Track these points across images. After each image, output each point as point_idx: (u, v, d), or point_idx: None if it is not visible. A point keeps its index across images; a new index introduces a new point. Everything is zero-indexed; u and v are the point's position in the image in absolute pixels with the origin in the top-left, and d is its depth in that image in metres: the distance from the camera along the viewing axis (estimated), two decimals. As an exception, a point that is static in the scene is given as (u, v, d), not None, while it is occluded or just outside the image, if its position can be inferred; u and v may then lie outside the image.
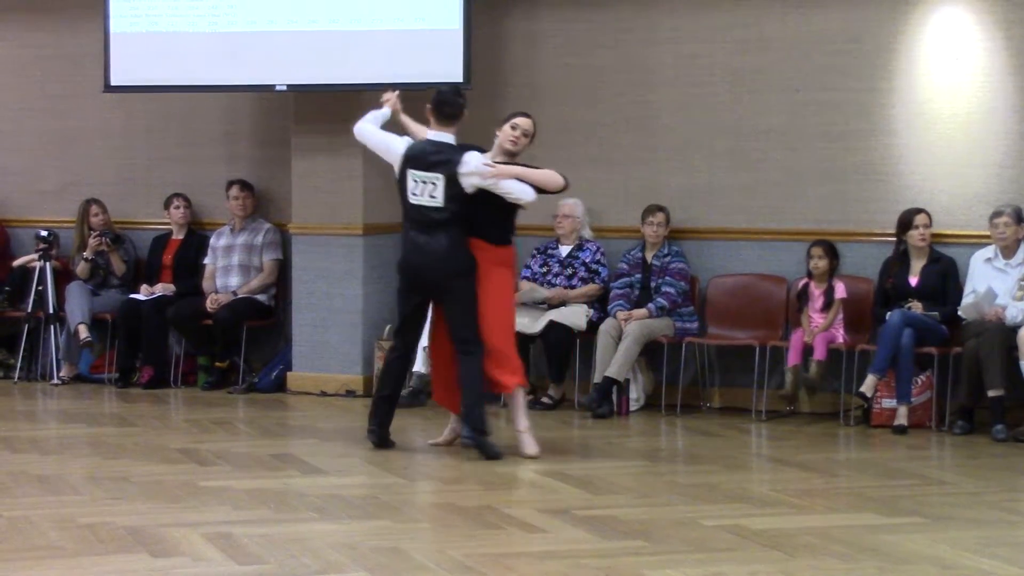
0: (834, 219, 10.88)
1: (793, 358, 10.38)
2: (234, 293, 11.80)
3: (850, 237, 10.82)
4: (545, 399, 10.93)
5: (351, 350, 11.47)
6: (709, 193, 11.17)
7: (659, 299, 10.76)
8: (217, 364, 11.79)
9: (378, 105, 9.45)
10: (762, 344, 10.67)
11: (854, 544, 6.83)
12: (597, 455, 9.47)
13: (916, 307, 10.19)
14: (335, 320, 11.48)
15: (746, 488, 8.25)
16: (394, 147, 9.21)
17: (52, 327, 11.94)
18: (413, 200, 9.07)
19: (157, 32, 11.40)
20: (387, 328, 11.37)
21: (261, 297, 11.90)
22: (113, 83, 11.55)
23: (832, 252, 10.58)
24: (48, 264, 12.01)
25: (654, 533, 7.08)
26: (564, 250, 11.21)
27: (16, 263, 12.31)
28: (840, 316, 10.49)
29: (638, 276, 10.93)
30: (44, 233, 12.09)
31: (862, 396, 10.14)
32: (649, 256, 10.95)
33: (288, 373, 11.68)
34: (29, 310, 12.01)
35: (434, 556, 6.65)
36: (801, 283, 10.60)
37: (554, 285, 11.10)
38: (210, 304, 11.72)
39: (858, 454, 9.67)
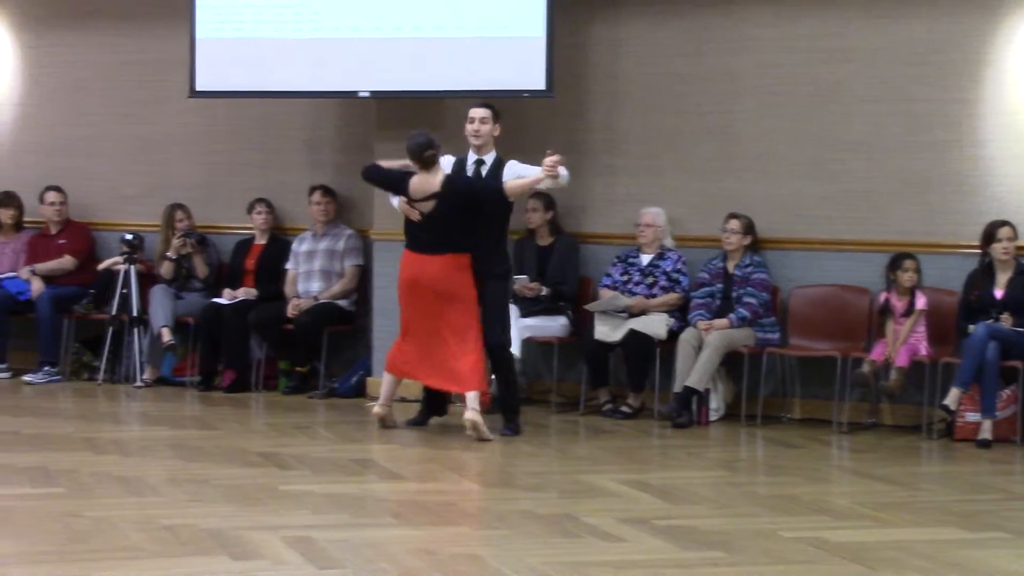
0: (917, 230, 10.79)
1: (876, 355, 10.33)
2: (315, 298, 11.85)
3: (934, 249, 10.72)
4: (624, 408, 10.90)
5: (431, 356, 11.47)
6: (791, 203, 11.10)
7: (741, 309, 10.71)
8: (298, 369, 11.85)
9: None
10: (844, 355, 10.59)
11: (936, 559, 6.75)
12: (676, 465, 9.43)
13: (1007, 321, 10.07)
14: (415, 326, 11.49)
15: (826, 500, 8.18)
16: None
17: (136, 330, 12.04)
18: None
19: (242, 38, 11.48)
20: (467, 335, 11.39)
21: (342, 302, 11.94)
22: (198, 89, 11.64)
23: (916, 265, 10.50)
24: (133, 267, 12.12)
25: (733, 544, 7.04)
26: (645, 259, 11.18)
27: (101, 266, 12.42)
28: (923, 328, 10.40)
29: (719, 286, 10.88)
30: (129, 237, 12.20)
31: (946, 409, 10.05)
32: (730, 266, 10.90)
33: (368, 379, 11.72)
34: (113, 313, 12.13)
35: (512, 564, 6.64)
36: (883, 297, 10.50)
37: (635, 294, 11.07)
38: (291, 309, 11.78)
39: (941, 468, 9.57)
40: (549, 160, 9.49)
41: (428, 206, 9.79)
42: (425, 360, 9.94)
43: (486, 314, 9.88)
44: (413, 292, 9.88)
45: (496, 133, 10.04)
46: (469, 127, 10.00)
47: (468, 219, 9.80)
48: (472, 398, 9.78)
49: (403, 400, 10.89)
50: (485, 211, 9.83)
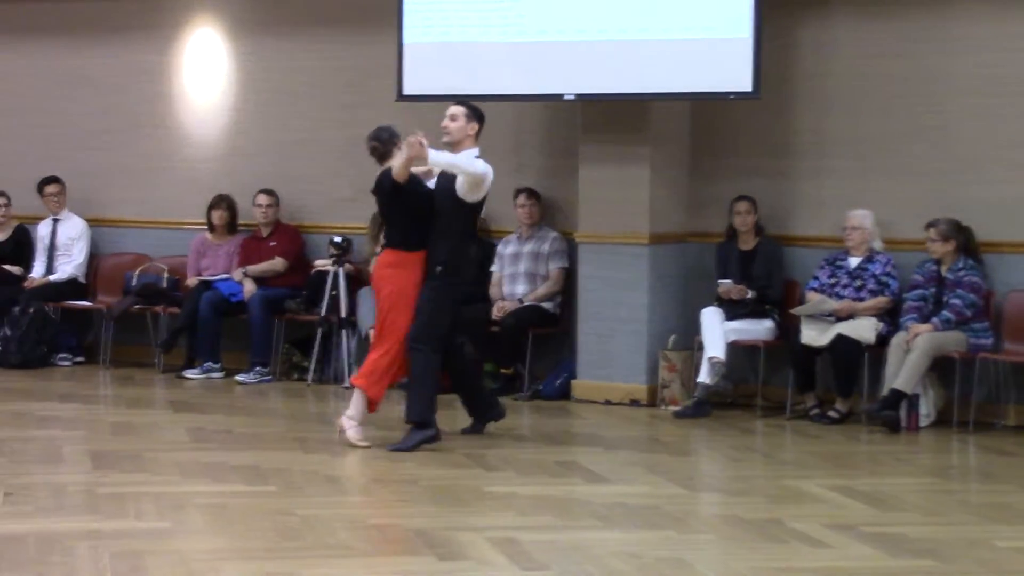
0: None
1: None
2: (520, 300, 11.90)
3: None
4: (832, 413, 10.74)
5: (636, 359, 11.45)
6: (1006, 205, 10.83)
7: (945, 312, 10.49)
8: (502, 371, 11.91)
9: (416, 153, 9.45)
10: (1060, 361, 10.32)
11: None
12: (885, 471, 9.28)
13: None
14: (620, 329, 11.49)
15: (1042, 510, 7.99)
16: (491, 173, 9.64)
17: (344, 331, 12.21)
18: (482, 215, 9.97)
19: (449, 42, 11.57)
20: (671, 338, 11.35)
21: (547, 305, 11.97)
22: (405, 92, 11.77)
23: None
24: (341, 270, 12.30)
25: (944, 552, 6.90)
26: (853, 262, 11.01)
27: (316, 266, 12.62)
28: None
29: (932, 289, 10.67)
30: (338, 239, 12.38)
31: None
32: (943, 269, 10.68)
33: (572, 381, 11.73)
34: (323, 314, 12.32)
35: (718, 568, 6.60)
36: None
37: (842, 297, 10.91)
38: (497, 311, 11.84)
39: None
40: (410, 138, 9.29)
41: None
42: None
43: (416, 311, 9.49)
44: None
45: (471, 132, 9.64)
46: (442, 124, 9.69)
47: (395, 215, 9.64)
48: (355, 395, 9.55)
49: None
50: (412, 208, 9.53)
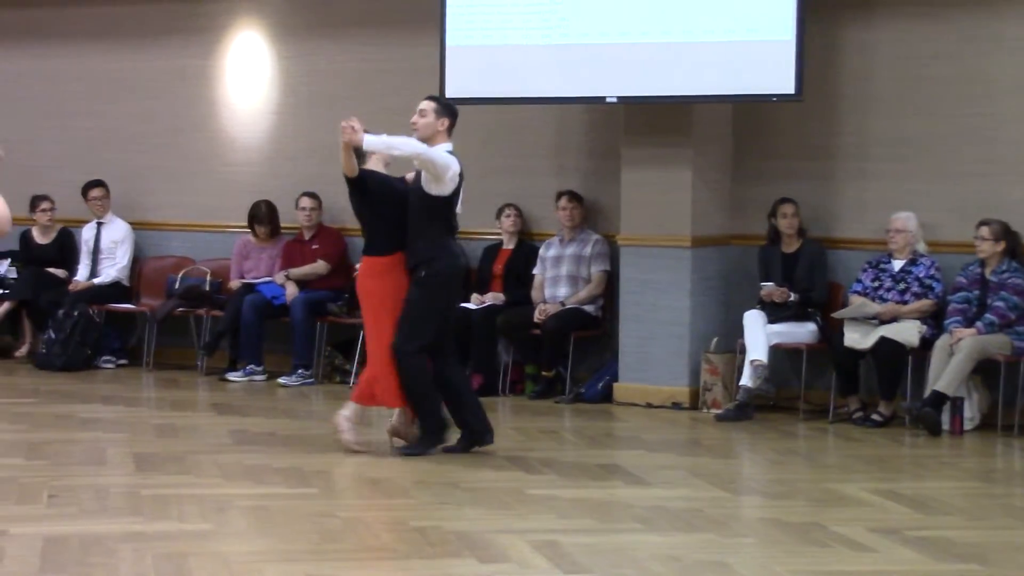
0: None
1: None
2: (562, 303, 11.89)
3: None
4: (875, 416, 10.69)
5: (678, 362, 11.43)
6: (1053, 207, 10.77)
7: (988, 315, 10.42)
8: (544, 373, 11.90)
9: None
10: (1106, 365, 10.24)
11: None
12: (929, 474, 9.24)
13: None
14: (662, 332, 11.47)
15: (1088, 514, 7.93)
16: (454, 165, 9.33)
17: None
18: (458, 211, 9.48)
19: (491, 45, 11.58)
20: (713, 341, 11.32)
21: (589, 308, 11.96)
22: (448, 95, 11.76)
23: None
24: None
25: (989, 557, 6.86)
26: (897, 264, 10.96)
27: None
28: None
29: (976, 292, 10.60)
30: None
31: None
32: (987, 271, 10.62)
33: (614, 384, 11.71)
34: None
35: (759, 572, 6.58)
36: None
37: (886, 300, 10.86)
38: (538, 314, 11.84)
39: None
40: (343, 123, 9.16)
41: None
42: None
43: (399, 317, 9.25)
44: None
45: (442, 128, 9.35)
46: (412, 120, 9.42)
47: (367, 217, 9.42)
48: (349, 406, 9.43)
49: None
50: (382, 209, 9.32)
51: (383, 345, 9.28)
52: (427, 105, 9.47)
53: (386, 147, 9.25)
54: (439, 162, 9.21)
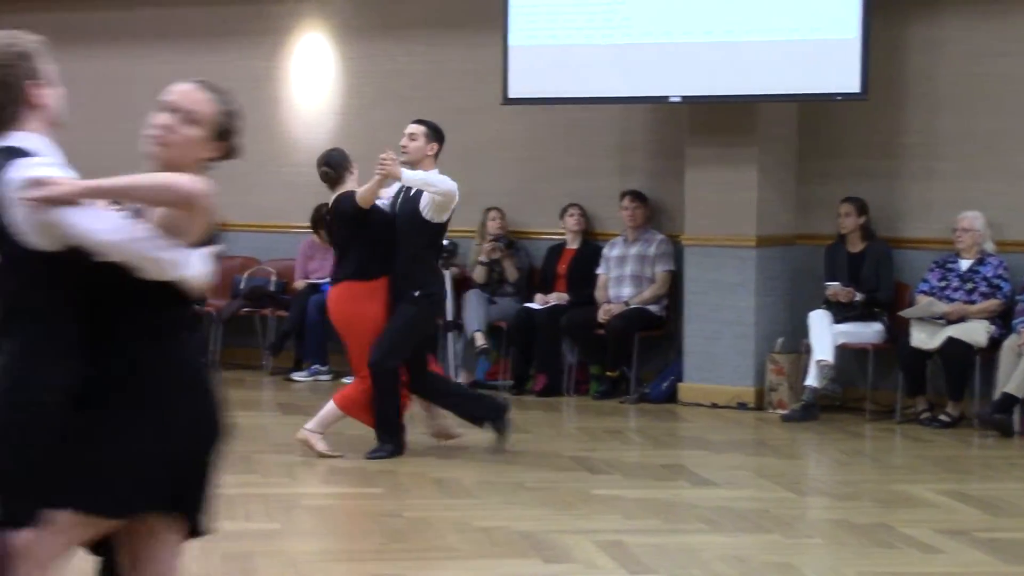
0: None
1: None
2: (626, 303, 11.87)
3: None
4: (943, 417, 10.61)
5: (743, 362, 11.39)
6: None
7: (1052, 315, 10.34)
8: (608, 373, 11.89)
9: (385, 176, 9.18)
10: None
11: None
12: (998, 476, 9.15)
13: None
14: (727, 332, 11.43)
15: None
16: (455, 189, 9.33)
17: (450, 334, 12.25)
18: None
19: (554, 45, 11.57)
20: (779, 341, 11.27)
21: (653, 308, 11.94)
22: (511, 96, 11.78)
23: None
24: (447, 273, 12.32)
25: (1059, 559, 6.80)
26: (964, 264, 10.87)
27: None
28: None
29: (1044, 291, 10.52)
30: (445, 242, 12.40)
31: None
32: (1055, 271, 10.54)
33: (679, 384, 11.68)
34: (429, 317, 12.34)
35: (826, 573, 6.55)
36: None
37: (953, 300, 10.78)
38: (602, 314, 11.83)
39: None
40: (382, 156, 9.06)
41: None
42: None
43: (380, 335, 9.17)
44: None
45: (431, 152, 9.37)
46: (401, 143, 9.40)
47: (355, 243, 9.28)
48: (325, 409, 9.30)
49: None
50: (375, 235, 9.23)
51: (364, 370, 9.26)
52: (417, 129, 9.46)
53: (423, 182, 9.22)
54: (456, 198, 9.31)
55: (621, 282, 12.02)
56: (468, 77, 12.83)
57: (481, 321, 12.22)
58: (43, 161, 4.18)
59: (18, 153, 4.17)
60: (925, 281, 10.96)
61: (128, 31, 14.31)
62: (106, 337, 4.20)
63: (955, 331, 10.55)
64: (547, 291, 12.27)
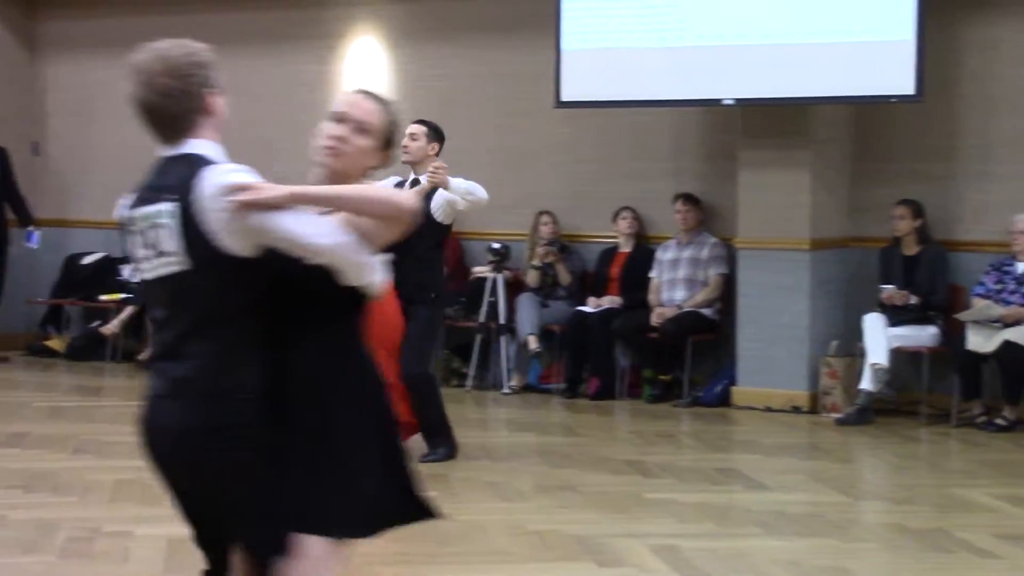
0: None
1: None
2: (679, 307, 11.84)
3: None
4: (999, 420, 10.54)
5: (797, 366, 11.34)
6: None
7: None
8: (661, 377, 11.86)
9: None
10: None
11: None
12: (1055, 480, 9.08)
13: None
14: (781, 335, 11.38)
15: None
16: None
17: (503, 337, 12.26)
18: None
19: (607, 48, 11.56)
20: (833, 344, 11.22)
21: (706, 311, 11.90)
22: (564, 99, 11.77)
23: None
24: (500, 276, 12.34)
25: (1118, 565, 6.74)
26: (1020, 267, 10.79)
27: (475, 273, 12.67)
28: None
29: (1101, 294, 10.43)
30: (496, 246, 12.43)
31: None
32: (1113, 273, 10.44)
33: (732, 388, 11.64)
34: (482, 321, 12.37)
35: (882, 578, 6.51)
36: None
37: (1009, 303, 10.70)
38: (656, 317, 11.80)
39: None
40: (433, 165, 9.09)
41: None
42: None
43: (404, 344, 9.07)
44: None
45: (432, 152, 9.41)
46: (403, 143, 9.38)
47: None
48: None
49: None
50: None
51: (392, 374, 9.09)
52: (418, 129, 9.50)
53: (466, 190, 9.25)
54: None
55: (674, 285, 11.99)
56: (520, 81, 12.83)
57: (534, 324, 12.22)
58: (237, 167, 4.22)
59: (202, 160, 4.22)
60: (981, 284, 10.88)
61: (182, 36, 14.35)
62: (294, 340, 4.26)
63: (1011, 334, 10.47)
64: (600, 294, 12.25)
